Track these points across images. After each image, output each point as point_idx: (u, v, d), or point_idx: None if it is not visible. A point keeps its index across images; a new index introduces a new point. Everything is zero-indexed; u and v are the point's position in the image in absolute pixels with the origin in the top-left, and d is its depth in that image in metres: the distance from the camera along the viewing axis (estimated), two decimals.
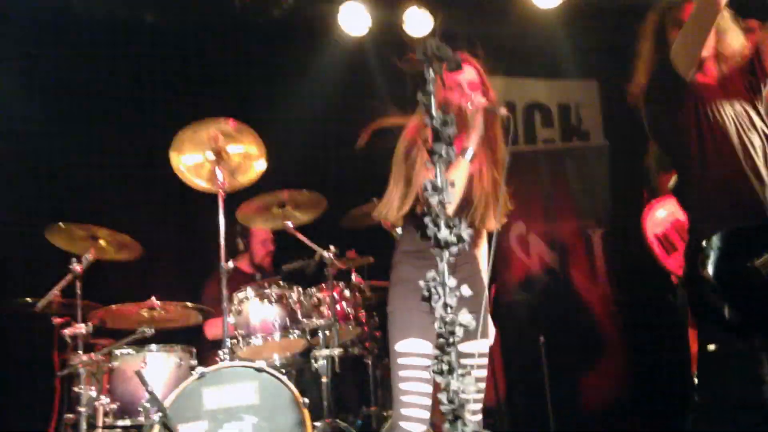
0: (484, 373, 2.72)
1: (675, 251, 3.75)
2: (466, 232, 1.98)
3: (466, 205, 2.71)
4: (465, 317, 1.95)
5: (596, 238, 5.81)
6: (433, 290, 1.88)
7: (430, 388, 2.57)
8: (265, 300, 4.00)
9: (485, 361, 2.73)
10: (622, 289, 5.67)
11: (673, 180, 2.82)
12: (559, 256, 5.76)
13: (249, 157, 4.09)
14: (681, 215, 3.56)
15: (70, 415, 3.83)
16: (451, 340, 1.90)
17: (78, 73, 5.04)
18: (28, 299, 4.11)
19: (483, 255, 2.86)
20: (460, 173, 2.60)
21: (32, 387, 4.52)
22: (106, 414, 3.79)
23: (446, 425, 1.97)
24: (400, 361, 2.61)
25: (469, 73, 2.75)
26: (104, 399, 3.79)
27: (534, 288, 5.67)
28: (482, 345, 2.72)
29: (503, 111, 2.69)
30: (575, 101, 6.09)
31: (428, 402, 2.58)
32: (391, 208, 2.73)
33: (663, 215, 3.86)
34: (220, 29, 5.30)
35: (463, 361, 2.61)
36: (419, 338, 2.59)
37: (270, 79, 5.48)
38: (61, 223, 3.93)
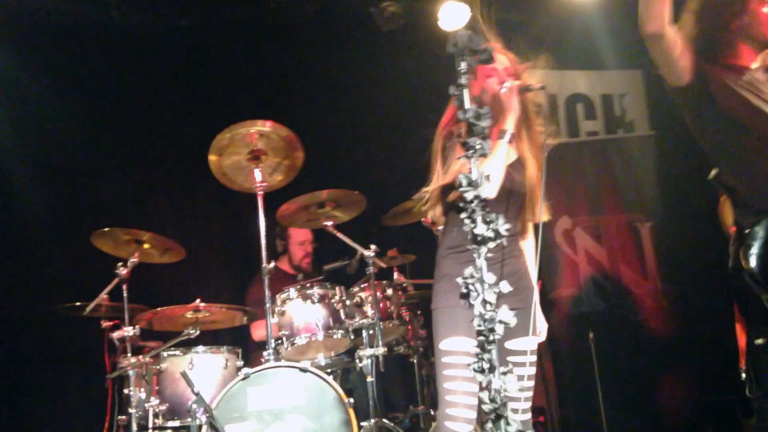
0: (533, 370, 2.66)
1: None
2: (503, 227, 1.94)
3: (512, 196, 2.65)
4: (505, 314, 1.90)
5: (645, 232, 5.67)
6: (471, 287, 1.84)
7: (476, 388, 2.52)
8: (308, 300, 4.00)
9: (534, 358, 2.66)
10: (672, 283, 5.52)
11: (713, 171, 2.71)
12: (606, 250, 5.64)
13: (287, 158, 4.11)
14: None
15: (122, 417, 3.89)
16: (491, 337, 1.86)
17: (119, 80, 5.14)
18: (77, 303, 4.21)
19: (530, 248, 2.80)
20: (498, 156, 2.54)
21: (85, 389, 4.62)
22: (155, 415, 3.84)
23: (489, 425, 1.93)
24: (445, 359, 2.57)
25: (502, 61, 2.72)
26: (154, 401, 3.83)
27: (581, 283, 5.57)
28: (532, 342, 2.65)
29: (537, 85, 2.63)
30: (619, 92, 5.97)
31: (474, 401, 2.53)
32: (429, 203, 2.70)
33: None
34: (255, 30, 5.33)
35: (513, 358, 2.58)
36: (464, 336, 2.54)
37: (307, 79, 5.49)
38: (106, 228, 4.00)
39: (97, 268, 4.15)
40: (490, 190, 2.26)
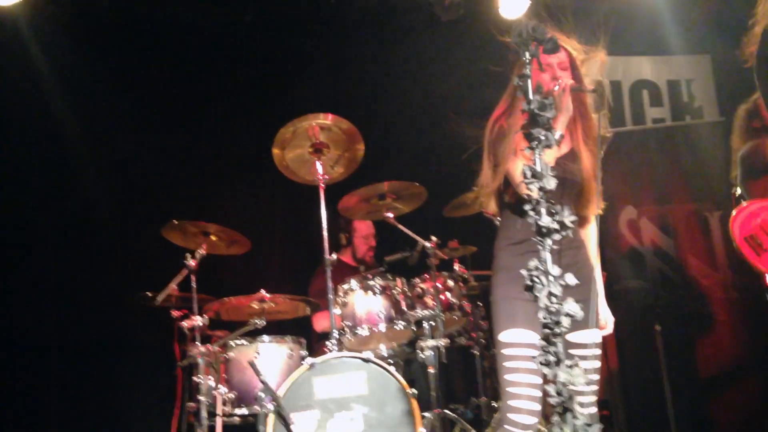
0: (597, 364, 2.63)
1: (765, 252, 3.77)
2: (569, 219, 1.92)
3: (566, 187, 2.62)
4: (571, 306, 1.89)
5: (714, 221, 5.50)
6: (536, 279, 1.83)
7: (539, 379, 2.50)
8: (369, 291, 4.03)
9: (598, 351, 2.64)
10: (743, 274, 5.34)
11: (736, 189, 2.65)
12: (673, 240, 5.50)
13: (348, 150, 4.14)
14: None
15: (192, 404, 4.00)
16: (556, 330, 1.84)
17: (185, 75, 5.25)
18: (148, 293, 4.35)
19: (591, 239, 2.77)
20: None
21: (155, 378, 4.77)
22: (224, 403, 3.93)
23: (555, 418, 1.92)
24: (506, 351, 2.56)
25: (558, 54, 2.66)
26: (222, 388, 3.93)
27: (647, 275, 5.45)
28: (595, 335, 2.63)
29: (589, 87, 2.59)
30: (686, 77, 5.80)
31: (538, 393, 2.52)
32: (483, 195, 2.70)
33: (750, 217, 3.81)
34: (316, 23, 5.37)
35: (575, 351, 2.56)
36: (524, 328, 2.53)
37: (367, 71, 5.51)
38: (175, 221, 4.11)
39: (166, 259, 4.26)
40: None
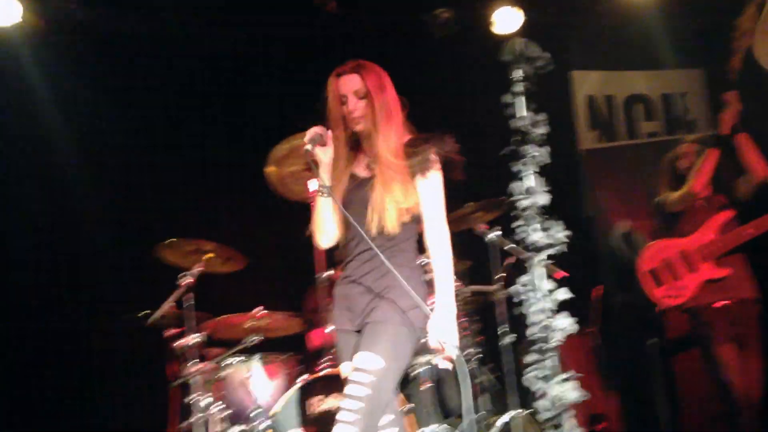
0: (361, 391, 2.40)
1: (663, 284, 4.22)
2: (561, 234, 1.93)
3: (363, 213, 2.56)
4: (562, 321, 1.89)
5: None
6: (524, 296, 1.84)
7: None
8: None
9: (365, 378, 2.41)
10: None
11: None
12: None
13: None
14: (670, 251, 4.18)
15: (185, 424, 3.98)
16: (548, 345, 1.85)
17: (179, 91, 5.27)
18: (140, 313, 4.32)
19: (431, 262, 2.63)
20: (315, 211, 2.65)
21: (148, 397, 4.74)
22: (219, 421, 3.92)
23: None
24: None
25: (352, 83, 2.62)
26: (216, 407, 3.92)
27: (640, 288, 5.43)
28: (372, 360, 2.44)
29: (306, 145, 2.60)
30: (679, 91, 5.83)
31: None
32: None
33: (654, 252, 4.29)
34: (308, 43, 5.38)
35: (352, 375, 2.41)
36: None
37: None
38: (172, 240, 4.10)
39: (158, 278, 4.25)
40: (319, 242, 2.60)
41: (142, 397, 4.84)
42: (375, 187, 2.53)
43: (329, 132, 2.62)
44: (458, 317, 4.19)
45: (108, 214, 5.16)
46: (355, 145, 2.68)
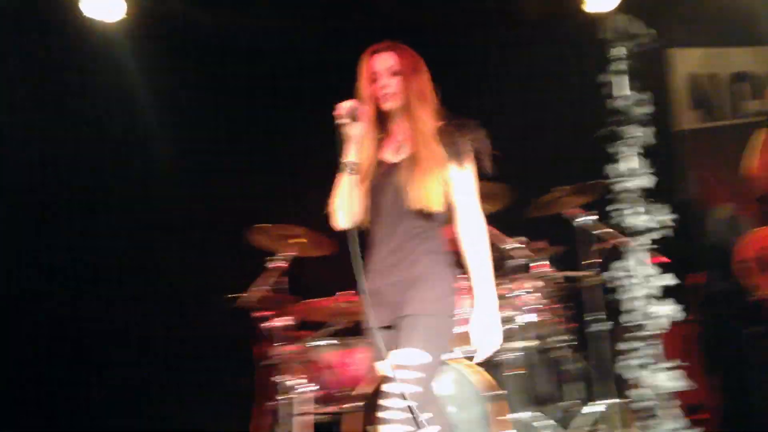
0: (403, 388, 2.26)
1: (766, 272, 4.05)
2: (668, 218, 1.86)
3: (395, 200, 2.45)
4: (664, 308, 1.82)
5: None
6: (619, 282, 1.78)
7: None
8: None
9: (415, 375, 2.27)
10: None
11: None
12: None
13: None
14: None
15: (273, 403, 4.07)
16: (646, 332, 1.79)
17: (268, 85, 5.38)
18: (233, 295, 4.45)
19: (467, 254, 2.45)
20: (338, 188, 2.50)
21: (238, 378, 4.87)
22: (307, 402, 3.99)
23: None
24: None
25: (386, 61, 2.52)
26: (305, 388, 3.99)
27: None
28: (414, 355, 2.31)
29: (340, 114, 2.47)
30: None
31: None
32: None
33: (759, 239, 4.15)
34: (390, 31, 5.36)
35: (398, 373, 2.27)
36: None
37: (444, 73, 5.46)
38: (263, 224, 4.19)
39: (250, 262, 4.35)
40: (335, 222, 2.42)
41: (230, 377, 4.98)
42: (409, 170, 2.42)
43: (363, 107, 2.49)
44: (550, 303, 4.18)
45: (200, 200, 5.32)
46: (382, 127, 2.57)
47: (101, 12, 4.69)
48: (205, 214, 5.31)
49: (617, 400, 3.88)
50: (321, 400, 4.01)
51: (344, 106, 2.43)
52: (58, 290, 5.09)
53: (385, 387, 2.29)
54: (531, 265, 4.25)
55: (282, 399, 3.90)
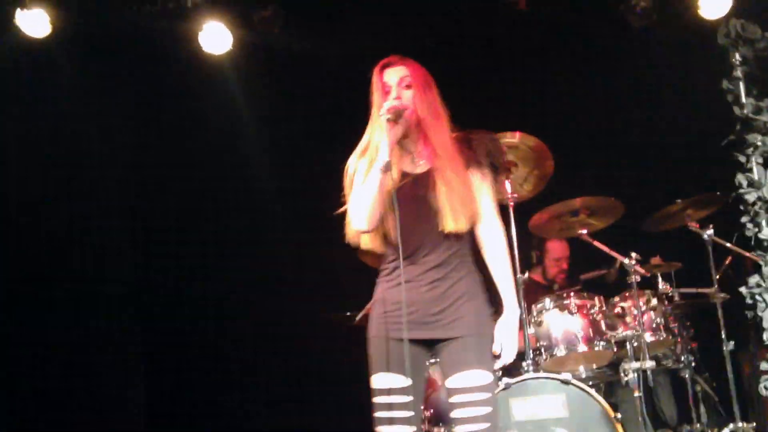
0: (482, 411, 2.29)
1: None
2: None
3: (425, 213, 2.40)
4: None
5: None
6: (757, 297, 1.68)
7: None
8: (565, 310, 3.91)
9: (483, 396, 2.30)
10: None
11: None
12: None
13: (537, 167, 4.06)
14: None
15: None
16: None
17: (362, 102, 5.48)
18: (348, 313, 4.52)
19: (492, 260, 2.45)
20: (367, 187, 2.38)
21: (349, 396, 4.95)
22: (423, 421, 4.00)
23: None
24: (375, 399, 2.43)
25: (398, 74, 2.48)
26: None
27: None
28: (477, 377, 2.32)
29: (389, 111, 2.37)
30: None
31: None
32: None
33: None
34: (496, 43, 5.33)
35: (457, 398, 2.29)
36: (395, 373, 2.37)
37: (551, 85, 5.38)
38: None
39: (358, 278, 4.42)
40: (357, 223, 2.32)
41: (343, 395, 5.05)
42: (442, 188, 2.40)
43: (409, 111, 2.46)
44: (670, 322, 4.00)
45: (306, 221, 5.49)
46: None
47: (211, 45, 4.93)
48: (317, 235, 5.46)
49: (744, 424, 3.66)
50: (431, 421, 4.00)
51: (394, 105, 2.42)
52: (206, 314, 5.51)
53: (455, 413, 2.31)
54: (645, 281, 4.10)
55: None
